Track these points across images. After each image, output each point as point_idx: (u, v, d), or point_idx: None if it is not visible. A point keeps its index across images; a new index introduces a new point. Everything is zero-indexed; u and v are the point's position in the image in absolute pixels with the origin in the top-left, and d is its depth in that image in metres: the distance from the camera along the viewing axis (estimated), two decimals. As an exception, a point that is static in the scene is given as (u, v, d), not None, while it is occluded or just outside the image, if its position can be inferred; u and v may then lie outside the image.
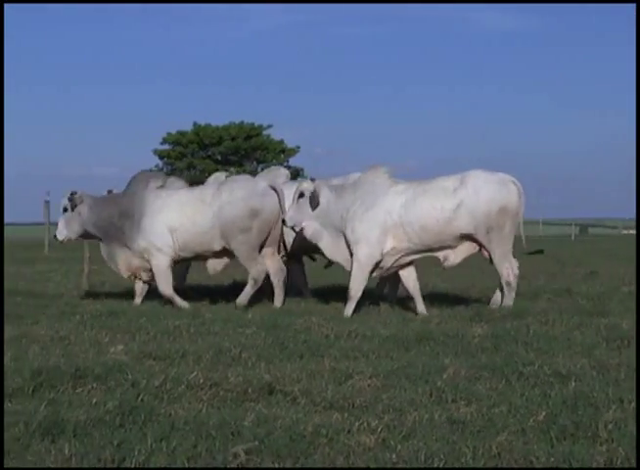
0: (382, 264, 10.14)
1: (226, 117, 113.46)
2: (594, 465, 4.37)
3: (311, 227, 10.25)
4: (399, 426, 5.00)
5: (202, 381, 6.02)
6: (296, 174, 68.09)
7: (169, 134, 69.40)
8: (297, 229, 10.44)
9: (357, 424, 5.00)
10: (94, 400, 5.54)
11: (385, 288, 11.30)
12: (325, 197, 10.21)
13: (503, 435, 4.77)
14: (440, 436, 4.82)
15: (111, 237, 10.86)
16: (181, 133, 68.87)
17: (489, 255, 10.08)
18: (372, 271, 10.15)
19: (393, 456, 4.49)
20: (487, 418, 5.17)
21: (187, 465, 4.37)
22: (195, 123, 69.49)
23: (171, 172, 65.66)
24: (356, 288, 10.01)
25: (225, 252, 10.70)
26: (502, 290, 10.17)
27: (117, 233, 10.77)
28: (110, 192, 11.68)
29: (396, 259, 10.15)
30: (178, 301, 10.54)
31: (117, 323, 8.78)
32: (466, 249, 10.21)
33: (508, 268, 10.03)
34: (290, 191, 10.59)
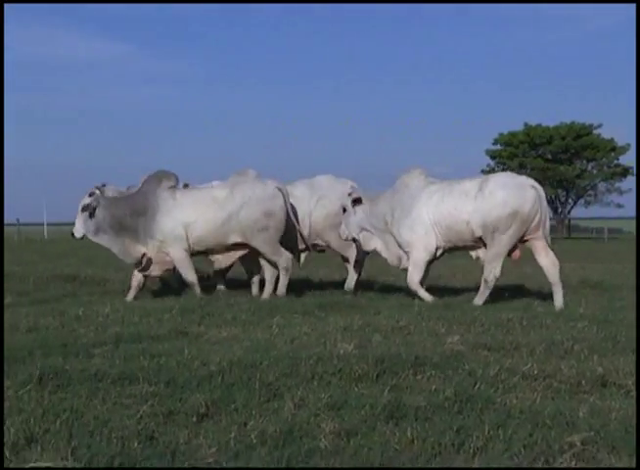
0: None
1: (557, 117, 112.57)
2: None
3: (363, 237, 11.15)
4: None
5: (535, 372, 6.12)
6: (624, 172, 68.55)
7: (501, 135, 72.38)
8: (351, 240, 11.38)
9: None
10: (433, 387, 5.76)
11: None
12: (361, 207, 11.03)
13: None
14: None
15: (123, 234, 11.26)
16: (512, 134, 71.23)
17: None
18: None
19: None
20: None
21: (523, 452, 4.51)
22: (526, 124, 71.38)
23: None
24: (415, 285, 10.64)
25: (236, 246, 11.26)
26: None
27: (130, 230, 11.21)
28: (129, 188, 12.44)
29: (440, 254, 10.75)
30: (197, 287, 11.21)
31: (453, 315, 9.01)
32: None
33: (494, 268, 10.13)
34: None
